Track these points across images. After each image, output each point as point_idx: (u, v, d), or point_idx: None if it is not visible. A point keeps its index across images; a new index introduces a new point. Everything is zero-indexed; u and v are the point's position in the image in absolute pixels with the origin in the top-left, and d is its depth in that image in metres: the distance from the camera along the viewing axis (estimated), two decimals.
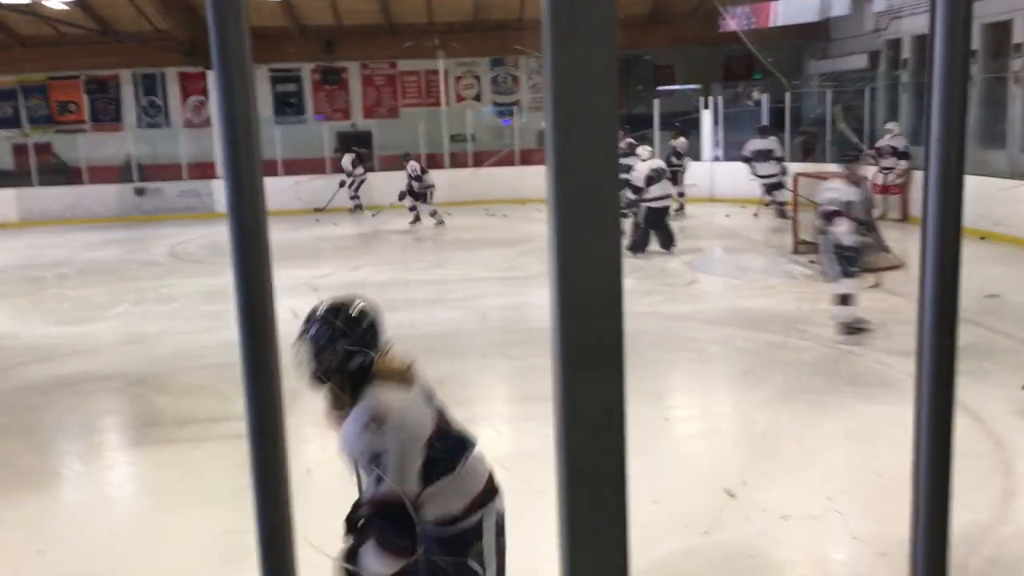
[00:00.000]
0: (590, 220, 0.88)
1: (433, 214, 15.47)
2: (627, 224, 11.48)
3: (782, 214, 13.89)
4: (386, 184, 17.53)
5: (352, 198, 17.91)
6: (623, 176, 11.45)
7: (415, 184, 15.55)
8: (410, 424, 2.48)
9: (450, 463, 2.55)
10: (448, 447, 2.57)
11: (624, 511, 0.94)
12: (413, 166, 15.65)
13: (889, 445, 5.11)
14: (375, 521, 2.53)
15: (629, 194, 11.32)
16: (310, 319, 2.54)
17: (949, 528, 1.05)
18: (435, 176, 15.90)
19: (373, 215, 16.95)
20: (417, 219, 15.57)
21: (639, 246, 11.52)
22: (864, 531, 4.14)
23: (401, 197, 15.74)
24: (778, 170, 14.50)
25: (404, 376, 2.55)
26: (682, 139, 16.85)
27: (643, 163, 11.60)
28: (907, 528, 1.04)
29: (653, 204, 11.46)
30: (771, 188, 14.59)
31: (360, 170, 17.99)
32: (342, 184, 17.90)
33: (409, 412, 2.50)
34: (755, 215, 14.99)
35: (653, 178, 11.41)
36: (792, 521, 4.24)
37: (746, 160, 14.93)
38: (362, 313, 2.56)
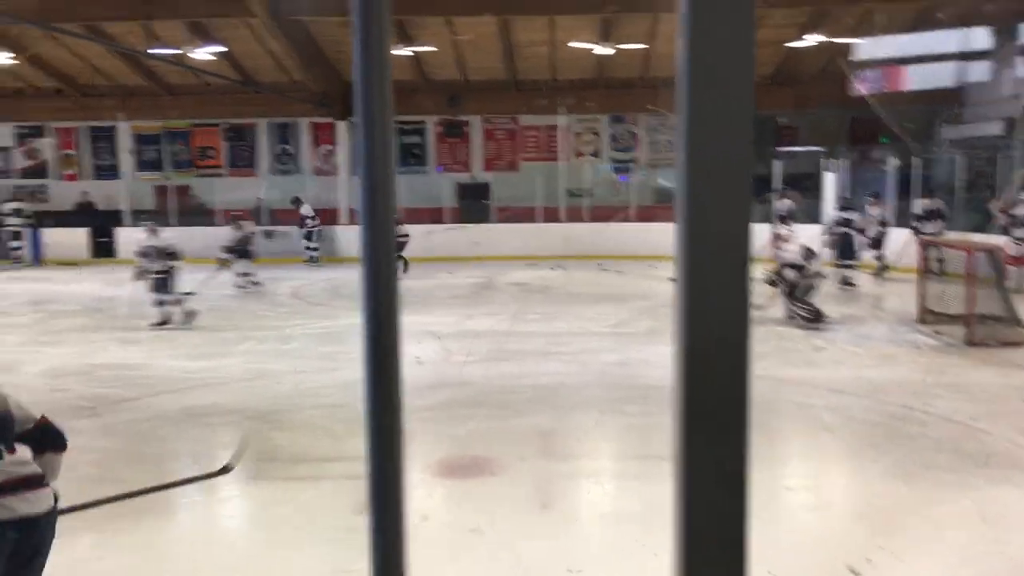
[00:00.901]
0: (720, 282, 0.87)
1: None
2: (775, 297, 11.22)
3: (942, 271, 13.28)
4: (507, 235, 18.49)
5: (313, 249, 18.26)
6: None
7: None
8: None
9: None
10: None
11: None
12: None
13: (1020, 530, 4.81)
14: None
15: (788, 272, 11.01)
16: None
17: None
18: (550, 229, 15.89)
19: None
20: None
21: (820, 316, 10.94)
22: None
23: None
24: (942, 228, 14.40)
25: None
26: (787, 201, 16.45)
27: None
28: None
29: (814, 280, 11.17)
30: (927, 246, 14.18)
31: (317, 220, 18.34)
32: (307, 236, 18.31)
33: None
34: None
35: (809, 256, 11.18)
36: None
37: (918, 219, 14.81)
38: None
